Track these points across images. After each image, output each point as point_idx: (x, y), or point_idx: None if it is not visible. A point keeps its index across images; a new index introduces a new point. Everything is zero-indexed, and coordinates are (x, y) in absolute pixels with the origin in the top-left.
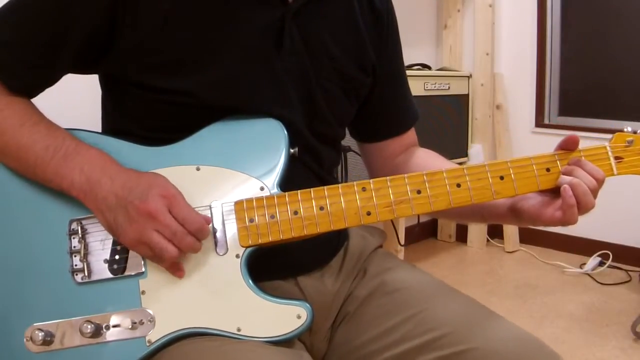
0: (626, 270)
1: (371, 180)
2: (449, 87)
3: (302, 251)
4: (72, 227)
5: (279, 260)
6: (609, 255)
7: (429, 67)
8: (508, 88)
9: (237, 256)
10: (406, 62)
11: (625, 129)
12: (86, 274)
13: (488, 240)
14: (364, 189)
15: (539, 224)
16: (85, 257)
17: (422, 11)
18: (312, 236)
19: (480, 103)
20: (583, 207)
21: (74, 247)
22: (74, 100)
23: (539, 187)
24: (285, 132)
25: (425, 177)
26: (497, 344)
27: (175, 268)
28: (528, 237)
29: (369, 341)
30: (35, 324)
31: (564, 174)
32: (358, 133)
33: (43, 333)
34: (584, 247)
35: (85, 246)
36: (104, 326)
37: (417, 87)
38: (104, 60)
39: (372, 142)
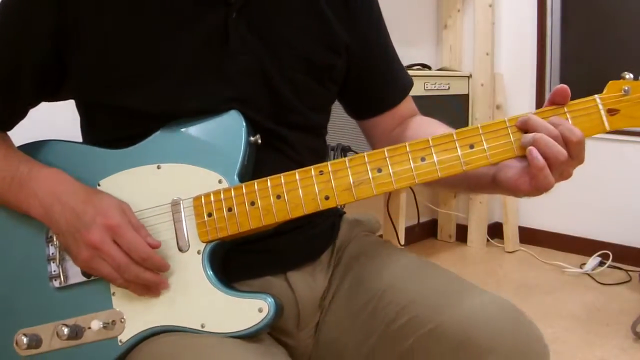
0: (626, 270)
1: (329, 163)
2: (449, 87)
3: (292, 246)
4: (50, 233)
5: (269, 256)
6: (609, 255)
7: (429, 67)
8: (508, 88)
9: (199, 252)
10: (406, 62)
11: (623, 76)
12: (62, 279)
13: (488, 240)
14: (321, 173)
15: (521, 195)
16: (60, 263)
17: (422, 11)
18: (274, 226)
19: (480, 103)
20: (554, 164)
21: (52, 253)
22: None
23: (516, 153)
24: (244, 122)
25: (386, 152)
26: (465, 314)
27: (143, 289)
28: (528, 237)
29: (344, 335)
30: (21, 330)
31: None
32: (351, 111)
33: (27, 338)
34: (584, 247)
35: (61, 252)
36: (80, 328)
37: (417, 87)
38: (65, 89)
39: (365, 118)
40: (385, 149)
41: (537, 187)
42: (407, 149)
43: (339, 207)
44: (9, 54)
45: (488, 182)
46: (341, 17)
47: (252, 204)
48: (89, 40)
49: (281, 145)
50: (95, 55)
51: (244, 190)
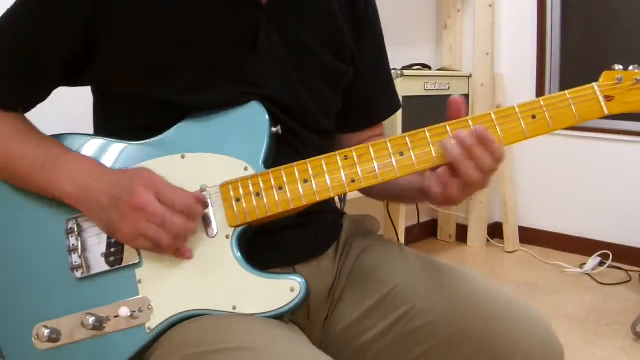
0: (626, 270)
1: (353, 148)
2: (449, 87)
3: (298, 241)
4: (69, 225)
5: (277, 250)
6: (609, 255)
7: (429, 67)
8: (508, 88)
9: (227, 237)
10: (406, 62)
11: (613, 67)
12: (85, 269)
13: (488, 240)
14: (346, 158)
15: (434, 205)
16: (83, 253)
17: (422, 11)
18: (300, 209)
19: (480, 103)
20: (473, 187)
21: (72, 244)
22: (71, 100)
23: (526, 136)
24: (266, 112)
25: (407, 138)
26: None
27: (179, 252)
28: (528, 237)
29: (355, 327)
30: (41, 322)
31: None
32: (337, 123)
33: (49, 330)
34: (584, 247)
35: (83, 242)
36: (105, 318)
37: (417, 87)
38: (87, 75)
39: (350, 132)
40: (405, 134)
41: (447, 197)
42: (427, 134)
43: (340, 206)
44: (38, 36)
45: (417, 191)
46: (351, 28)
47: (280, 188)
48: (119, 32)
49: (294, 142)
50: (123, 46)
51: (271, 176)
